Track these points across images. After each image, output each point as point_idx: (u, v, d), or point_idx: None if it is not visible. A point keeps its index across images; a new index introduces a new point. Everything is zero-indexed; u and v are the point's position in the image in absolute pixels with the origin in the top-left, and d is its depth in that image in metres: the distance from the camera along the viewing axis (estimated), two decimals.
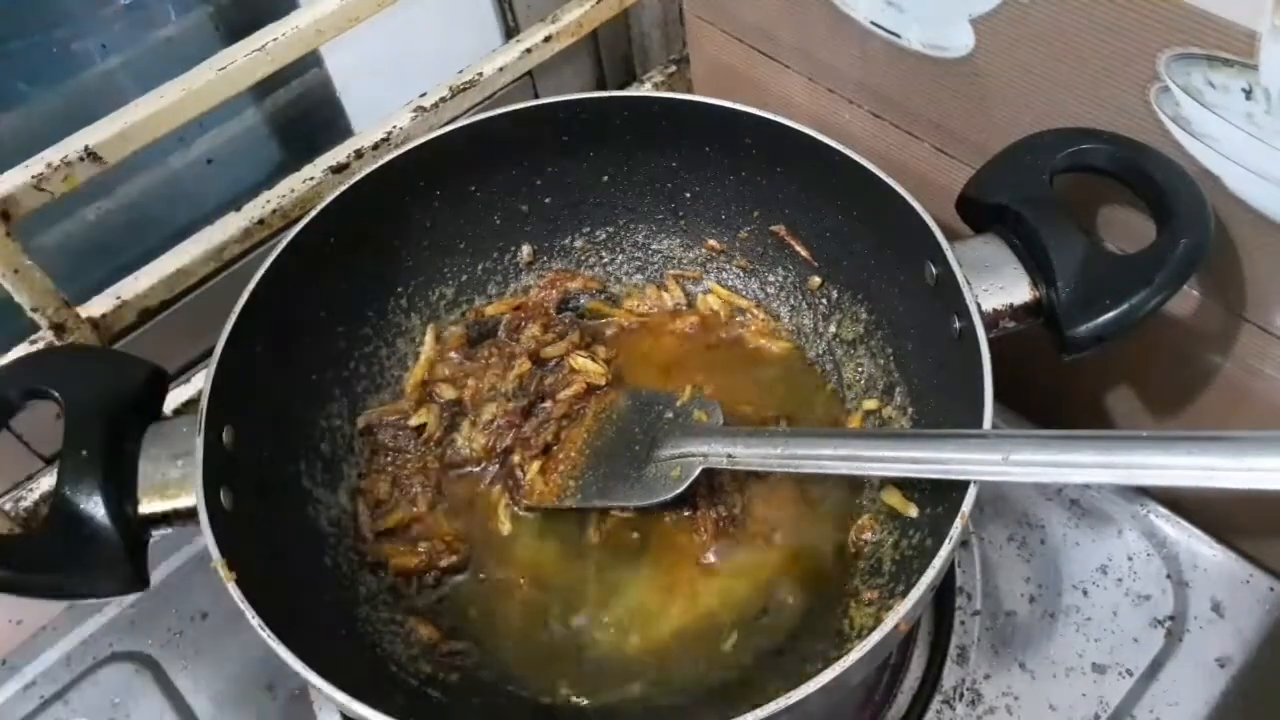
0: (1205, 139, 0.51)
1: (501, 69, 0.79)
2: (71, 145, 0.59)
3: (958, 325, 0.52)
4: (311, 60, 0.82)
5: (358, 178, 0.60)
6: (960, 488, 0.47)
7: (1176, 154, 0.53)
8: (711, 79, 0.82)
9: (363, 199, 0.61)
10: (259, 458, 0.56)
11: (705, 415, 0.61)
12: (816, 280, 0.67)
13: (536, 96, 0.87)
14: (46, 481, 0.68)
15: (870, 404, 0.63)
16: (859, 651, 0.42)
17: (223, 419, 0.52)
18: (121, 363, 0.54)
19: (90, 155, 0.59)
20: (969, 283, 0.52)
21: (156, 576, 0.67)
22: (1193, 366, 0.62)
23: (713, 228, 0.70)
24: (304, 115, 0.87)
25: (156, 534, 0.50)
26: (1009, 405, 0.69)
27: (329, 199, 0.60)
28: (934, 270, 0.55)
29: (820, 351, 0.67)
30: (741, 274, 0.71)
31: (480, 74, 0.78)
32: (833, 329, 0.67)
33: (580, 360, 0.66)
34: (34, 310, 0.61)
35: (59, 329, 0.63)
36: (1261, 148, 0.49)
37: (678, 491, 0.57)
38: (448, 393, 0.66)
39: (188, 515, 0.49)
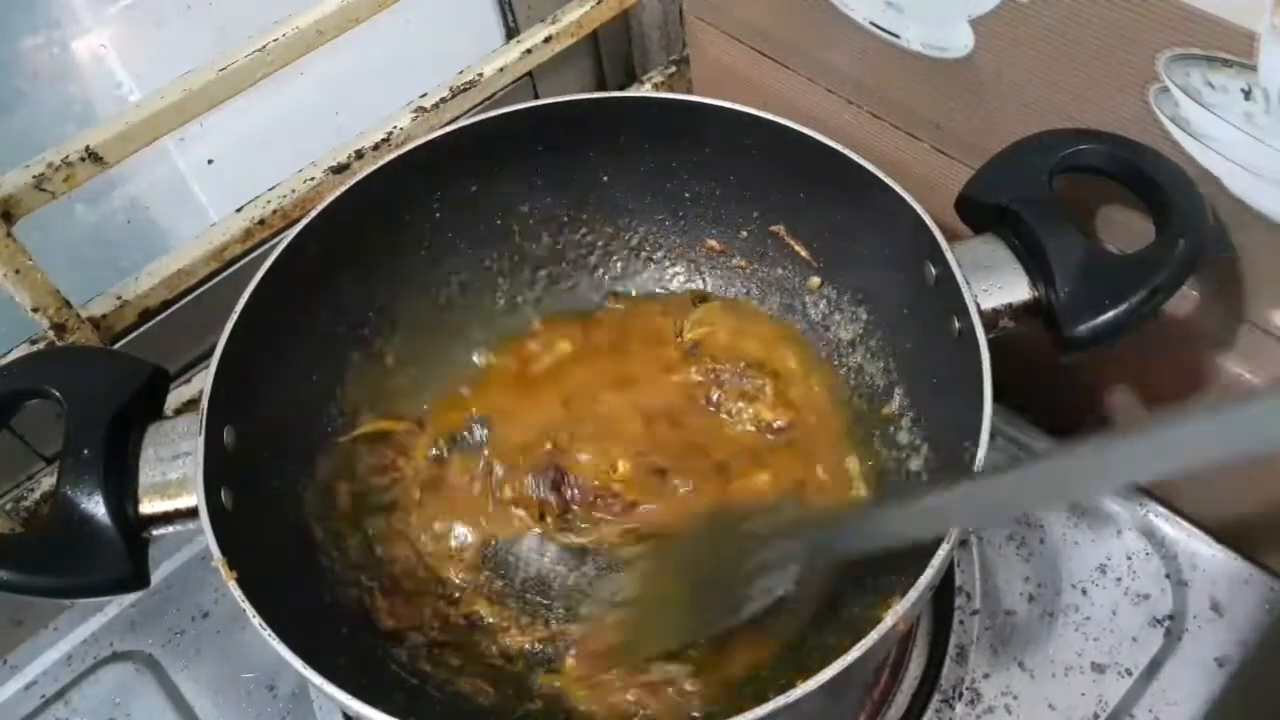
0: (1204, 139, 0.51)
1: (501, 69, 0.79)
2: (72, 145, 0.59)
3: (957, 325, 0.52)
4: None
5: (358, 178, 0.60)
6: None
7: (1176, 155, 0.53)
8: (711, 79, 0.81)
9: (363, 199, 0.61)
10: (260, 457, 0.56)
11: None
12: (816, 280, 0.67)
13: (536, 96, 0.87)
14: (47, 481, 0.68)
15: (868, 404, 0.63)
16: (858, 650, 0.42)
17: (224, 419, 0.52)
18: (122, 362, 0.54)
19: (90, 155, 0.59)
20: (968, 283, 0.52)
21: (157, 576, 0.68)
22: (1192, 366, 0.62)
23: (713, 228, 0.70)
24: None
25: (157, 533, 0.50)
26: (1009, 405, 0.69)
27: (329, 199, 0.59)
28: (933, 270, 0.55)
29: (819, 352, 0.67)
30: (741, 274, 0.71)
31: (480, 74, 0.78)
32: (832, 330, 0.67)
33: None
34: (35, 310, 0.61)
35: (60, 329, 0.63)
36: (1260, 148, 0.49)
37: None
38: None
39: (189, 515, 0.49)
